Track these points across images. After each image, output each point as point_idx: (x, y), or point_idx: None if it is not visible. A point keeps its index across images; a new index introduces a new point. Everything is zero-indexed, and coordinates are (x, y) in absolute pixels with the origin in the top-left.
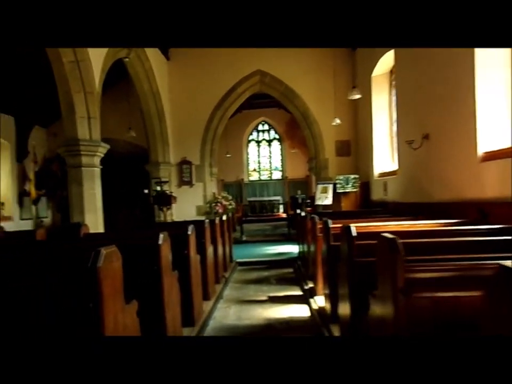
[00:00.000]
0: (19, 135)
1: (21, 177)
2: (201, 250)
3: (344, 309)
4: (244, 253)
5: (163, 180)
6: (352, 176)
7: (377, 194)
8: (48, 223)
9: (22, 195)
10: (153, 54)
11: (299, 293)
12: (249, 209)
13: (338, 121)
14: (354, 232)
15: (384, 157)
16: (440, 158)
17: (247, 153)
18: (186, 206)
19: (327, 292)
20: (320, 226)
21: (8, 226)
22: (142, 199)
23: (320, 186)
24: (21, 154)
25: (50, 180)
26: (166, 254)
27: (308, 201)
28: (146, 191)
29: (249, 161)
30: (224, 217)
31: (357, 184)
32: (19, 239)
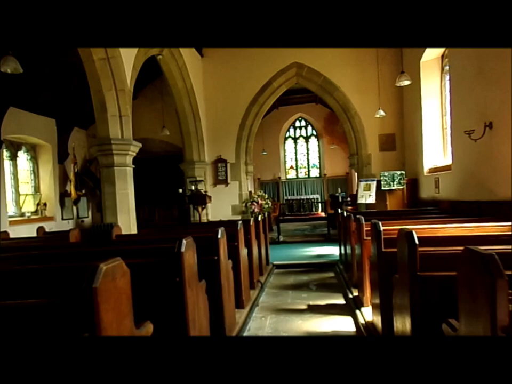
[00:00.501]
0: (60, 137)
1: (62, 178)
2: (234, 254)
3: (402, 329)
4: (281, 255)
5: (198, 179)
6: (399, 172)
7: (427, 191)
8: (88, 223)
9: (63, 196)
10: (186, 51)
11: (342, 301)
12: (286, 208)
13: (382, 112)
14: (416, 239)
15: (435, 150)
16: (506, 148)
17: (284, 151)
18: (221, 205)
19: (376, 302)
20: (368, 228)
21: (50, 226)
22: (179, 199)
23: (362, 184)
24: (61, 155)
25: (90, 180)
26: (190, 262)
27: (348, 199)
28: (180, 190)
29: (286, 159)
30: (260, 218)
31: (404, 181)
32: (55, 240)
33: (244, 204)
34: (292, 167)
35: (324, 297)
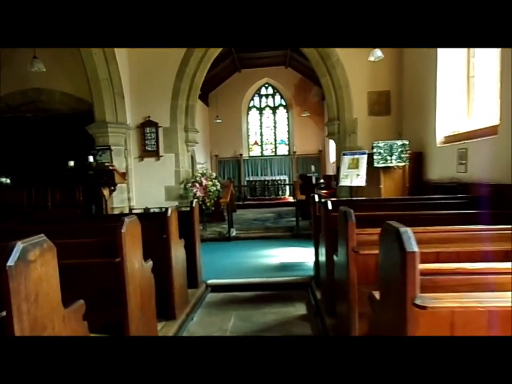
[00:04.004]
0: None
1: None
2: None
3: None
4: (227, 262)
5: (113, 148)
6: (399, 142)
7: (441, 170)
8: None
9: None
10: None
11: None
12: (248, 191)
13: (379, 53)
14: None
15: (456, 110)
16: None
17: (247, 123)
18: (152, 187)
19: None
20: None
21: None
22: (85, 176)
23: (347, 158)
24: None
25: None
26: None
27: (322, 181)
28: (72, 163)
29: (249, 133)
30: (170, 212)
31: (407, 155)
32: None
33: (182, 186)
34: (256, 142)
35: None
